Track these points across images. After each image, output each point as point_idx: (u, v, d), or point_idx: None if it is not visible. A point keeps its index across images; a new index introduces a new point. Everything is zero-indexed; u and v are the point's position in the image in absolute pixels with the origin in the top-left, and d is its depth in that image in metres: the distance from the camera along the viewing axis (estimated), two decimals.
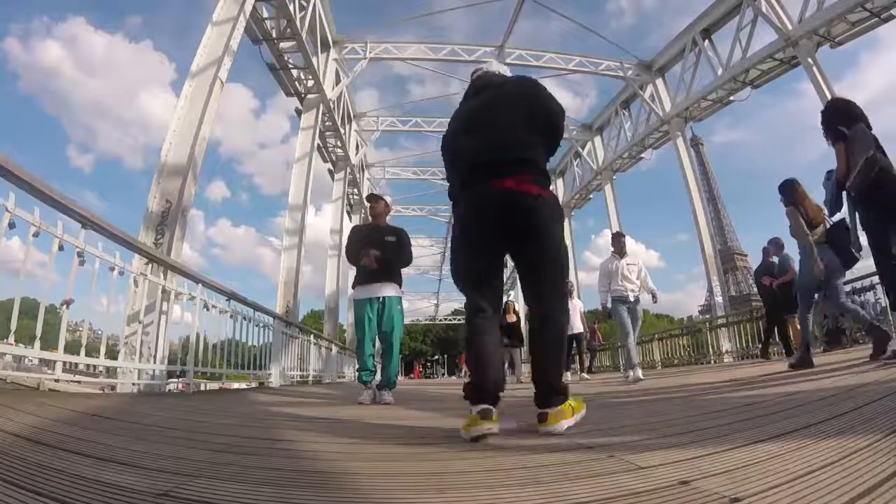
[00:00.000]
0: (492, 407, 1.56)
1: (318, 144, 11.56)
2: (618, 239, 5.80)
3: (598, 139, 15.38)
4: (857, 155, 2.88)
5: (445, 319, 40.06)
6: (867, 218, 3.02)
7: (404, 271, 4.04)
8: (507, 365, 7.85)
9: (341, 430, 2.02)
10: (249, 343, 5.54)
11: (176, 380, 4.32)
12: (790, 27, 8.64)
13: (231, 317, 5.04)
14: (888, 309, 6.52)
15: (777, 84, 10.63)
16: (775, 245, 6.48)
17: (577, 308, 8.05)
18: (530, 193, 1.69)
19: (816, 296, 3.91)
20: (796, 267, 6.23)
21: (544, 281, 1.75)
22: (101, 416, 1.93)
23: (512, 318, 8.09)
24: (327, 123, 11.82)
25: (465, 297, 1.81)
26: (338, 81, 11.80)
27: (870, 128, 3.07)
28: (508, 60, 12.18)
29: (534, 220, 1.71)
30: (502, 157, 1.73)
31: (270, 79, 9.98)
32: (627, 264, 5.58)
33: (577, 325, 7.77)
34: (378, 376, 3.90)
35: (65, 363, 3.06)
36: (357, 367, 3.99)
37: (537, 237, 1.73)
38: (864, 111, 3.18)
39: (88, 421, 1.77)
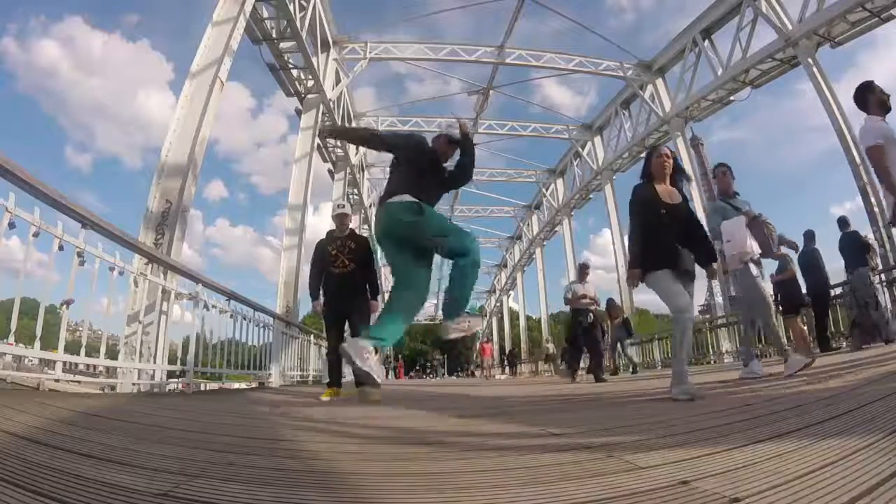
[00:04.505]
0: None
1: (318, 144, 11.57)
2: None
3: (598, 139, 15.38)
4: None
5: None
6: None
7: None
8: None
9: (341, 430, 2.01)
10: (249, 343, 5.55)
11: (176, 380, 4.32)
12: (790, 27, 8.64)
13: (231, 317, 5.03)
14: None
15: (776, 84, 10.64)
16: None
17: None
18: None
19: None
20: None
21: None
22: (102, 416, 1.93)
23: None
24: (327, 123, 11.83)
25: None
26: (338, 81, 11.79)
27: None
28: (508, 60, 12.19)
29: None
30: None
31: (268, 78, 10.00)
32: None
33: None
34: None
35: (65, 363, 3.06)
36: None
37: None
38: None
39: (88, 421, 1.76)
